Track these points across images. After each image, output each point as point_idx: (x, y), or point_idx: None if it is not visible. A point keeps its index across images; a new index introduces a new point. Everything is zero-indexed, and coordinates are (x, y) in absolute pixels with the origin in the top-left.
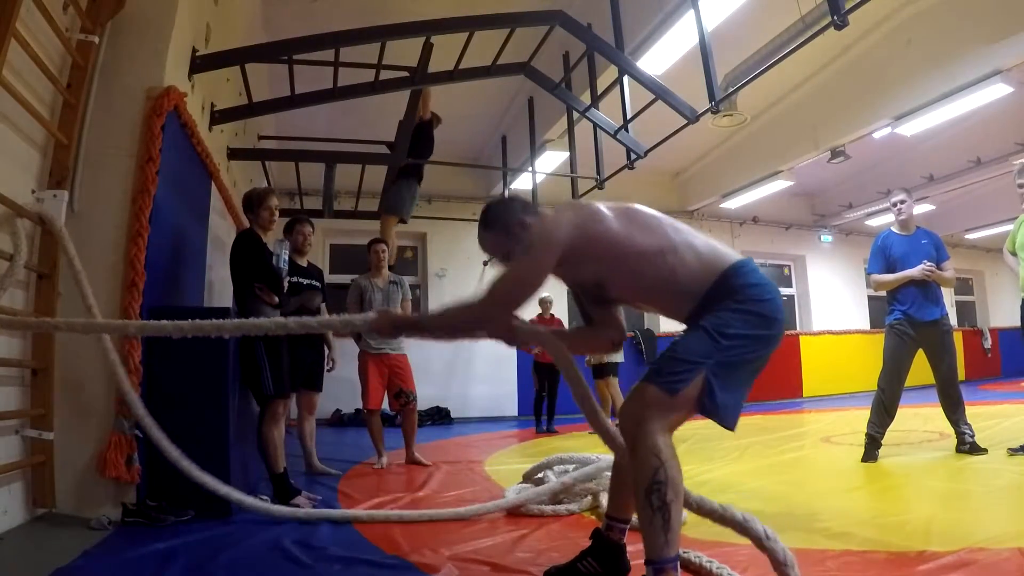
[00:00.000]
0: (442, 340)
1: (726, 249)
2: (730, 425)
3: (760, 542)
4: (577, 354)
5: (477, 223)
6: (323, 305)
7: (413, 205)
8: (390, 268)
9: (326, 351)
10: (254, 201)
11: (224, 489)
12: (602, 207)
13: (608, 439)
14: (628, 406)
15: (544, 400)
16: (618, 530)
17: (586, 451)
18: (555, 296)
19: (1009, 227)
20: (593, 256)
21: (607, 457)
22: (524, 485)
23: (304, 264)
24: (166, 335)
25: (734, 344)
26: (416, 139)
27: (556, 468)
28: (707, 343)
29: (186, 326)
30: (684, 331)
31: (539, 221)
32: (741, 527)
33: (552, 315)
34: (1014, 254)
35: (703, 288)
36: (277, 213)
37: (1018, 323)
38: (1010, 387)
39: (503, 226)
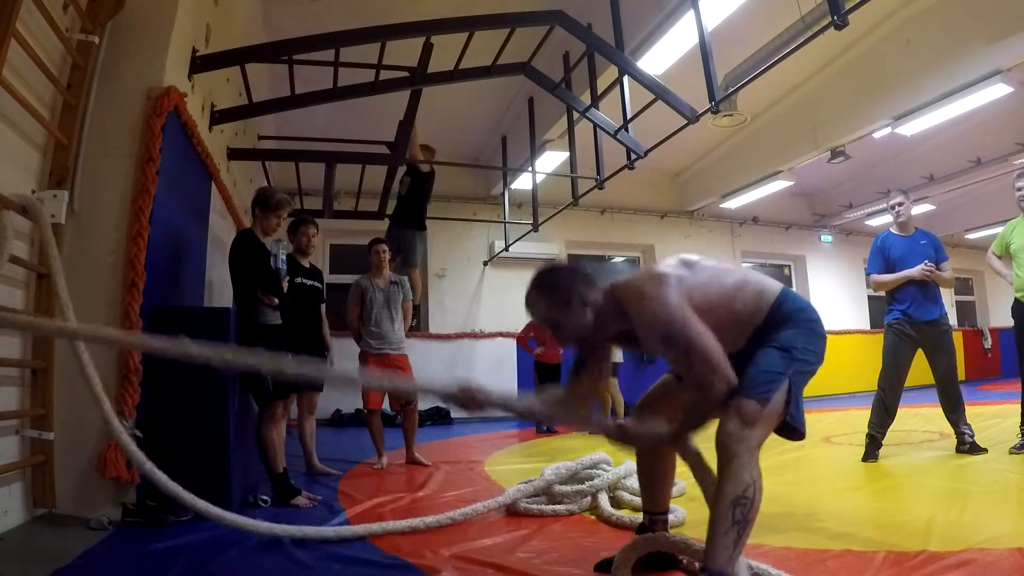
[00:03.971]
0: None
1: (766, 280)
2: (804, 433)
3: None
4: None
5: (530, 285)
6: (323, 307)
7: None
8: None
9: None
10: (269, 205)
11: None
12: (666, 270)
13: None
14: (727, 423)
15: None
16: (661, 523)
17: (586, 451)
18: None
19: None
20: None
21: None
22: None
23: (307, 265)
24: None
25: (803, 357)
26: (412, 192)
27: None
28: (784, 357)
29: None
30: (744, 353)
31: (597, 294)
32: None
33: None
34: (1000, 257)
35: (759, 320)
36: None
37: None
38: (1010, 387)
39: (563, 295)
